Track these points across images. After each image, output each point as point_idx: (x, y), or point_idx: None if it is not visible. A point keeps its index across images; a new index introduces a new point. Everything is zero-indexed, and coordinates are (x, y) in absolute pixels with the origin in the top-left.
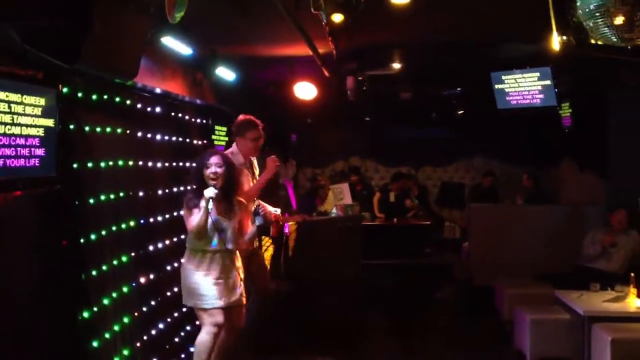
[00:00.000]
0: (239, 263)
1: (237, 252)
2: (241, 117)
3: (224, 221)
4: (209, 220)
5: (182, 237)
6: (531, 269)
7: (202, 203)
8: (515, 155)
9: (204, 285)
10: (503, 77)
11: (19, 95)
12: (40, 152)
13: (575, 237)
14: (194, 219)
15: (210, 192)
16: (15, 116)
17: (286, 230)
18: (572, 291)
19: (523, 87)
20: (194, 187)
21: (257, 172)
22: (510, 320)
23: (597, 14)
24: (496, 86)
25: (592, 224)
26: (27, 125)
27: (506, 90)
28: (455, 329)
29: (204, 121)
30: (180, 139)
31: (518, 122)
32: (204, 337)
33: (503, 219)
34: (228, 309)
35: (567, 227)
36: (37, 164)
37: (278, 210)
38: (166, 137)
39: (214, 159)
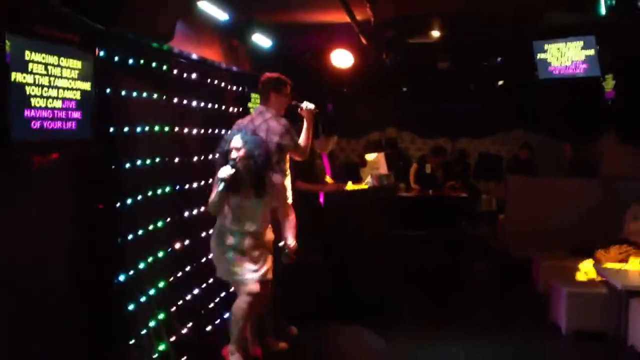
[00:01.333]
0: (268, 237)
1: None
2: (270, 74)
3: (246, 203)
4: (232, 201)
5: None
6: (568, 242)
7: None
8: (554, 127)
9: (233, 260)
10: (545, 46)
11: (56, 57)
12: (76, 115)
13: (613, 210)
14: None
15: (223, 172)
16: (52, 78)
17: (321, 200)
18: (611, 265)
19: (566, 56)
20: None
21: None
22: (546, 293)
23: None
24: (538, 55)
25: (631, 198)
26: (64, 88)
27: (548, 59)
28: (491, 302)
29: (240, 89)
30: (216, 106)
31: (558, 93)
32: (240, 304)
33: (540, 192)
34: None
35: (606, 201)
36: (73, 127)
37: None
38: (202, 104)
39: (234, 142)
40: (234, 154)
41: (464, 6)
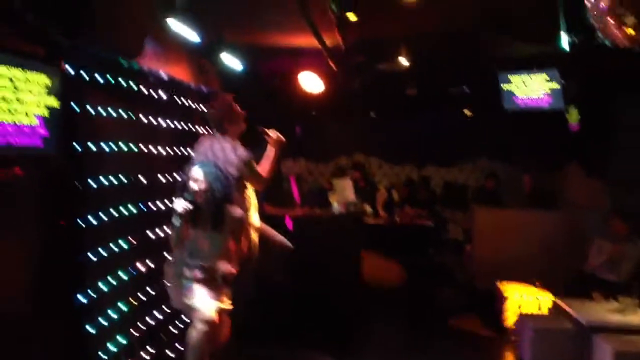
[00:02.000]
0: (225, 269)
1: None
2: (221, 104)
3: (203, 236)
4: (190, 234)
5: None
6: (533, 274)
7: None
8: (519, 157)
9: (188, 288)
10: (510, 77)
11: (22, 71)
12: (42, 130)
13: (578, 242)
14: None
15: (179, 206)
16: (17, 92)
17: (289, 226)
18: (575, 300)
19: (531, 88)
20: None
21: None
22: (510, 326)
23: (607, 15)
24: (503, 86)
25: (595, 229)
26: (29, 103)
27: (513, 90)
28: (456, 332)
29: None
30: (185, 126)
31: (524, 123)
32: (195, 333)
33: (505, 223)
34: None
35: (571, 232)
36: (38, 143)
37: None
38: (170, 123)
39: (193, 173)
40: (193, 186)
41: (430, 33)
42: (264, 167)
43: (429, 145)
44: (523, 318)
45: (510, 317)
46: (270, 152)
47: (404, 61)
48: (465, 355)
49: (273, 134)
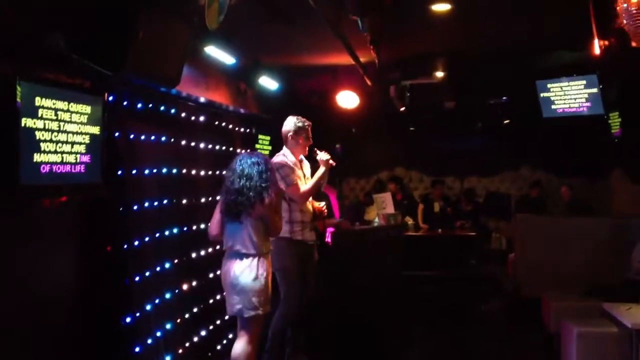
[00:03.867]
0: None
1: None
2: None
3: None
4: None
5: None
6: (579, 281)
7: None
8: (562, 165)
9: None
10: (548, 85)
11: (66, 102)
12: (85, 158)
13: (624, 249)
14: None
15: None
16: (61, 123)
17: (328, 239)
18: (621, 304)
19: (569, 95)
20: None
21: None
22: (557, 333)
23: (638, 17)
24: (541, 94)
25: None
26: (73, 133)
27: (552, 98)
28: (501, 342)
29: (248, 130)
30: (224, 148)
31: (565, 131)
32: (249, 349)
33: (550, 230)
34: None
35: (616, 239)
36: (82, 171)
37: (321, 204)
38: (210, 146)
39: None
40: None
41: (465, 46)
42: (309, 184)
43: (469, 156)
44: (568, 323)
45: (555, 323)
46: (319, 171)
47: (439, 75)
48: None
49: (324, 155)
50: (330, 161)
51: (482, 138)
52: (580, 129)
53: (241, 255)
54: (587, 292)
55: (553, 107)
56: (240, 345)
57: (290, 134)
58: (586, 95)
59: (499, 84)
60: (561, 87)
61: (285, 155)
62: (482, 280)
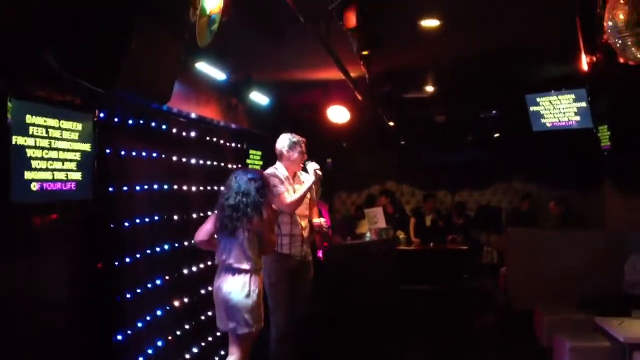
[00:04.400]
0: None
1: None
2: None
3: None
4: None
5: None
6: (571, 295)
7: None
8: (554, 178)
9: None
10: (537, 99)
11: (57, 120)
12: (77, 175)
13: (616, 262)
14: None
15: None
16: (52, 141)
17: (320, 255)
18: (613, 318)
19: (558, 109)
20: None
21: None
22: (549, 347)
23: (625, 33)
24: (531, 108)
25: (634, 250)
26: (64, 150)
27: (541, 112)
28: (494, 356)
29: (239, 145)
30: (215, 163)
31: (556, 144)
32: None
33: (542, 244)
34: None
35: (608, 253)
36: (73, 188)
37: (322, 220)
38: (201, 161)
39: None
40: None
41: (455, 61)
42: (296, 194)
43: (461, 170)
44: (560, 337)
45: (547, 337)
46: (307, 181)
47: (430, 89)
48: None
49: (313, 165)
50: (318, 171)
51: (473, 151)
52: (571, 141)
53: (234, 271)
54: (580, 305)
55: (542, 120)
56: None
57: (285, 149)
58: (575, 109)
59: (489, 98)
60: (550, 101)
61: (276, 169)
62: (474, 293)
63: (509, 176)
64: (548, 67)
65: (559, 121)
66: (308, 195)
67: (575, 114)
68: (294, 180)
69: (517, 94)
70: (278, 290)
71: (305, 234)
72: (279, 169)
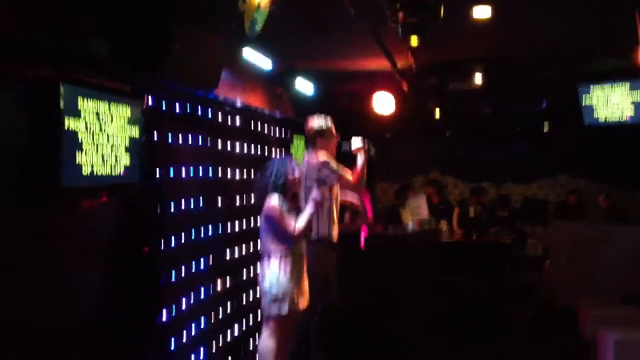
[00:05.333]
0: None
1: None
2: (311, 123)
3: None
4: None
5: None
6: (617, 289)
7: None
8: (602, 173)
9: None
10: (591, 92)
11: (107, 105)
12: (125, 160)
13: None
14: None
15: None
16: (103, 125)
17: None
18: None
19: (612, 102)
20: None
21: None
22: (593, 342)
23: None
24: (583, 101)
25: None
26: (113, 135)
27: (594, 105)
28: (537, 350)
29: (283, 133)
30: (259, 151)
31: (606, 138)
32: (270, 344)
33: (588, 238)
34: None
35: None
36: (121, 172)
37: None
38: (245, 149)
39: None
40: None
41: (505, 52)
42: (355, 172)
43: (506, 162)
44: (605, 331)
45: (591, 331)
46: (358, 159)
47: (477, 80)
48: None
49: (353, 143)
50: (360, 142)
51: (519, 144)
52: (622, 136)
53: (260, 254)
54: (625, 300)
55: (595, 114)
56: (261, 339)
57: (321, 136)
58: (630, 102)
59: (539, 90)
60: (604, 92)
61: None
62: (517, 287)
63: (555, 170)
64: (603, 60)
65: (612, 115)
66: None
67: (630, 107)
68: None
69: (569, 86)
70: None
71: (336, 220)
72: (325, 156)
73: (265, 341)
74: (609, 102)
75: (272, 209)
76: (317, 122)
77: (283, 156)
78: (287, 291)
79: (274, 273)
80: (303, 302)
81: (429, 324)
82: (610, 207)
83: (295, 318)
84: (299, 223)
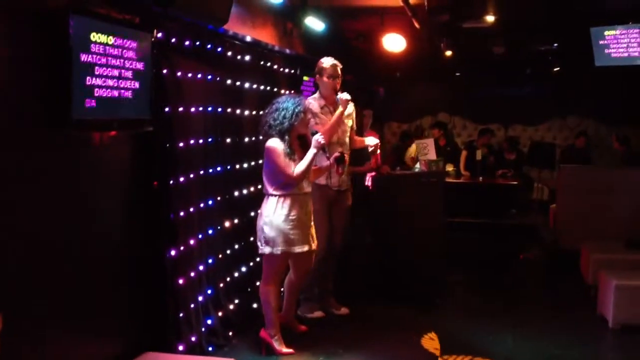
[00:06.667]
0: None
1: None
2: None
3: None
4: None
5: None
6: (620, 234)
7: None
8: (612, 114)
9: (286, 232)
10: (604, 33)
11: (116, 38)
12: (134, 94)
13: None
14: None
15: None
16: (111, 58)
17: (368, 183)
18: None
19: (625, 42)
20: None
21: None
22: (594, 285)
23: None
24: (596, 42)
25: None
26: (122, 68)
27: (606, 46)
28: (538, 291)
29: (292, 71)
30: (269, 88)
31: (616, 79)
32: (269, 288)
33: (594, 182)
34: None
35: None
36: (131, 106)
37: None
38: (254, 86)
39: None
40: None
41: None
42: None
43: (515, 104)
44: (607, 276)
45: (593, 275)
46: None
47: (490, 18)
48: (546, 311)
49: (340, 96)
50: (347, 98)
51: (529, 85)
52: (633, 77)
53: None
54: (627, 245)
55: (607, 55)
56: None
57: (317, 75)
58: None
59: (551, 30)
60: (617, 34)
61: (314, 98)
62: (522, 229)
63: (565, 112)
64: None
65: (625, 55)
66: (349, 123)
67: None
68: (335, 108)
69: (581, 26)
70: (316, 218)
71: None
72: (315, 99)
73: (262, 287)
74: (621, 43)
75: (271, 151)
76: (321, 60)
77: (292, 95)
78: (281, 232)
79: (268, 214)
80: (305, 245)
81: (434, 262)
82: (625, 151)
83: (294, 259)
84: (298, 167)
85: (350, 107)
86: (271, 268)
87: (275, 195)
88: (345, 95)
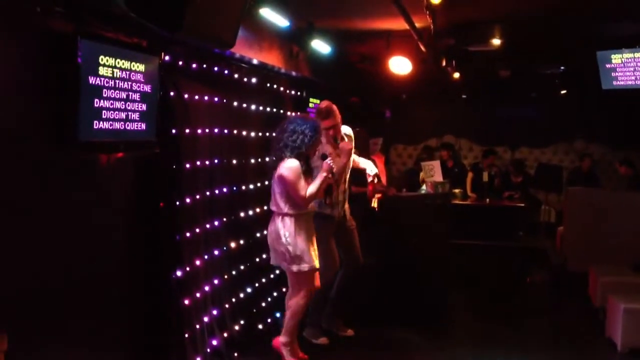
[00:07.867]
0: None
1: None
2: (322, 103)
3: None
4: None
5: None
6: (628, 257)
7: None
8: (619, 139)
9: (307, 248)
10: (610, 57)
11: (124, 61)
12: (141, 116)
13: None
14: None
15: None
16: (119, 81)
17: (375, 205)
18: None
19: (631, 67)
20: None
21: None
22: (602, 308)
23: None
24: (602, 66)
25: None
26: (130, 91)
27: (612, 70)
28: (546, 314)
29: (299, 93)
30: (275, 110)
31: (623, 104)
32: (302, 302)
33: (601, 205)
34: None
35: None
36: (137, 128)
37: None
38: (261, 108)
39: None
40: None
41: (523, 13)
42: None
43: (521, 126)
44: (615, 299)
45: (601, 298)
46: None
47: (496, 42)
48: (554, 335)
49: (345, 144)
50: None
51: (535, 108)
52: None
53: (272, 213)
54: (636, 268)
55: (613, 79)
56: (293, 300)
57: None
58: None
59: (557, 53)
60: (623, 58)
61: None
62: (529, 252)
63: (571, 135)
64: (622, 24)
65: (632, 80)
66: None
67: None
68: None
69: (588, 50)
70: (320, 247)
71: (345, 196)
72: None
73: (295, 300)
74: (628, 68)
75: (293, 171)
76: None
77: (306, 118)
78: (305, 250)
79: (289, 234)
80: (317, 260)
81: (439, 284)
82: (632, 175)
83: (316, 274)
84: (310, 189)
85: (349, 132)
86: (303, 284)
87: (291, 215)
88: (347, 146)
